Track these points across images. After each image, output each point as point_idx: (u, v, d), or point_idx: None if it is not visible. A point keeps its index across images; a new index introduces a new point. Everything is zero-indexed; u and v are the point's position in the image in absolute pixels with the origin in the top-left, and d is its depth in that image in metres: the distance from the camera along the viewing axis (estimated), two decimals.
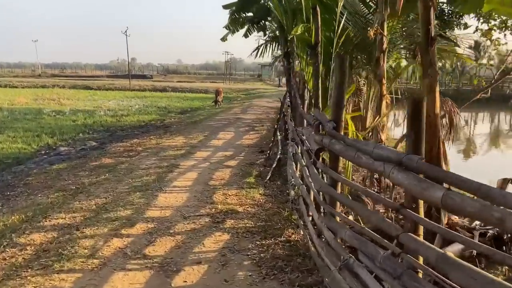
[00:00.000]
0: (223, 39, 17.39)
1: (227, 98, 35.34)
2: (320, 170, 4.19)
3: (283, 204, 6.23)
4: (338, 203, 3.51)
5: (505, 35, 8.10)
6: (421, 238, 2.38)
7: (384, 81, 5.73)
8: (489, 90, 8.41)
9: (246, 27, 17.78)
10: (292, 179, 7.07)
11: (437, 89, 3.78)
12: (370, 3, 6.61)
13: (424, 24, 3.68)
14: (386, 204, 2.80)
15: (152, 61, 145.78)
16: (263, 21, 12.14)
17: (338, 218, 3.42)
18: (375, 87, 5.71)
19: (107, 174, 8.07)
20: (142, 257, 4.39)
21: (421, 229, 2.45)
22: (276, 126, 10.23)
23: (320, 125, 3.62)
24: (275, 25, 14.39)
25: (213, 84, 61.76)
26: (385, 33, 5.73)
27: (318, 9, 3.86)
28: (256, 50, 13.68)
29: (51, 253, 4.49)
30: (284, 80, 72.65)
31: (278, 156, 9.17)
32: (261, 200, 6.46)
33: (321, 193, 3.78)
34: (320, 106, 4.27)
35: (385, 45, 5.73)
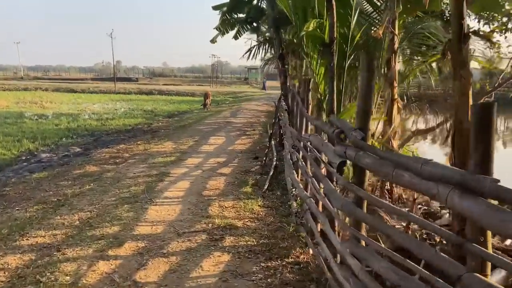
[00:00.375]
0: (213, 41, 16.88)
1: (214, 101, 34.67)
2: (336, 184, 3.70)
3: (285, 217, 5.71)
4: (363, 225, 3.01)
5: (505, 37, 7.77)
6: (491, 280, 1.89)
7: (396, 84, 5.28)
8: (493, 94, 8.03)
9: (236, 28, 17.34)
10: (294, 189, 6.57)
11: (470, 93, 3.33)
12: (376, 1, 6.17)
13: (456, 19, 3.23)
14: (443, 236, 2.31)
15: (137, 64, 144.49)
16: (255, 23, 11.63)
17: (363, 243, 2.92)
18: (385, 90, 5.28)
19: (92, 184, 7.44)
20: (132, 284, 3.82)
21: (489, 268, 1.95)
22: (271, 131, 9.72)
23: (341, 134, 3.12)
24: (266, 27, 13.96)
25: (200, 87, 61.04)
26: (397, 31, 5.28)
27: (333, 2, 3.40)
28: (248, 52, 13.16)
29: (28, 280, 3.89)
30: (269, 83, 71.91)
31: (275, 163, 8.67)
32: (261, 213, 5.94)
33: (340, 212, 3.27)
34: (335, 111, 3.80)
35: (396, 45, 5.28)
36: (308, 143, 5.13)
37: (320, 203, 4.33)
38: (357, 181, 2.94)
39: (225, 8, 13.86)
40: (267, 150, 8.84)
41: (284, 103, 9.76)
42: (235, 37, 17.90)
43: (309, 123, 5.82)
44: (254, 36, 25.49)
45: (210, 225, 5.35)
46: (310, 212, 4.75)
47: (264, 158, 8.63)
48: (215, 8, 15.78)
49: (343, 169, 3.02)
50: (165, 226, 5.32)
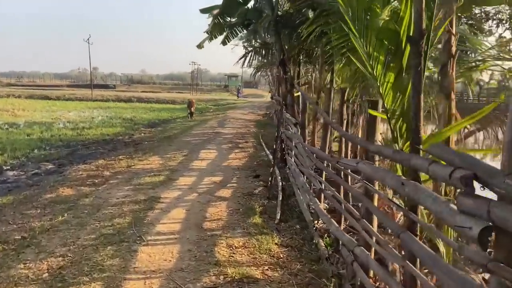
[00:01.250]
0: (200, 46, 15.64)
1: (197, 109, 33.30)
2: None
3: (315, 263, 4.48)
4: None
5: None
6: None
7: (453, 96, 4.17)
8: None
9: (225, 33, 16.10)
10: (318, 223, 5.37)
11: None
12: None
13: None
14: None
15: (115, 70, 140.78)
16: (252, 26, 10.44)
17: None
18: (440, 103, 4.21)
19: (65, 214, 6.04)
20: None
21: None
22: (274, 147, 8.49)
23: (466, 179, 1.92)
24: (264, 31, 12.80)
25: (180, 95, 59.47)
26: (454, 31, 4.18)
27: None
28: (243, 58, 11.95)
29: None
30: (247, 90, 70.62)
31: (281, 184, 7.47)
32: (281, 255, 4.70)
33: None
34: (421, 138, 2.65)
35: (454, 48, 4.18)
36: (348, 171, 3.95)
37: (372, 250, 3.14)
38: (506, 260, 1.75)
39: (216, 11, 12.65)
40: (272, 169, 7.61)
41: (288, 115, 8.58)
42: (224, 42, 16.73)
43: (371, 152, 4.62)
44: (243, 41, 24.44)
45: (221, 277, 4.08)
46: (358, 262, 3.56)
47: (270, 179, 7.39)
48: (203, 11, 14.57)
49: (487, 241, 1.82)
50: (162, 280, 4.02)
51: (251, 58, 11.24)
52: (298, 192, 6.75)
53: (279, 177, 7.91)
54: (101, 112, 31.34)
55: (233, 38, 17.06)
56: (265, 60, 11.59)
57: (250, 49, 23.31)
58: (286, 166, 8.98)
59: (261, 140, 13.54)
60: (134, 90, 70.15)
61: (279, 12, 9.43)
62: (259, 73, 20.85)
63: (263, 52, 10.95)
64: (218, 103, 44.20)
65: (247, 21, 9.65)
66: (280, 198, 6.65)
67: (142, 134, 16.14)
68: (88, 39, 52.31)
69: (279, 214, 5.98)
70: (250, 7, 10.06)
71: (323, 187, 5.01)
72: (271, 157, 10.33)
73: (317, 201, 5.25)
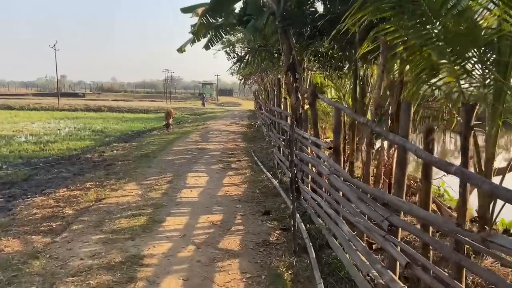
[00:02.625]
0: (181, 49, 13.62)
1: (174, 118, 30.98)
2: None
3: None
4: None
5: None
6: None
7: None
8: None
9: (209, 36, 14.16)
10: None
11: None
12: None
13: None
14: None
15: (84, 78, 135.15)
16: (249, 22, 8.49)
17: None
18: None
19: None
20: None
21: None
22: (290, 176, 6.53)
23: None
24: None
25: (153, 103, 56.77)
26: None
27: None
28: (239, 63, 10.00)
29: None
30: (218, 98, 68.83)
31: (304, 228, 5.57)
32: None
33: None
34: None
35: None
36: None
37: None
38: None
39: (202, 9, 10.71)
40: (291, 208, 5.63)
41: (306, 134, 6.69)
42: (207, 47, 14.75)
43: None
44: (224, 47, 22.46)
45: None
46: None
47: (292, 223, 5.43)
48: (185, 10, 12.61)
49: None
50: None
51: (250, 61, 9.29)
52: (335, 243, 4.86)
53: (295, 215, 5.98)
54: (68, 123, 28.70)
55: (217, 41, 15.17)
56: (263, 65, 9.62)
57: (241, 53, 21.49)
58: (300, 197, 7.09)
59: (256, 158, 11.60)
60: (104, 98, 66.69)
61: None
62: (248, 82, 18.94)
63: (264, 55, 9.04)
64: (195, 112, 41.92)
65: (246, 16, 7.76)
66: (314, 255, 4.73)
67: (115, 151, 13.85)
68: (54, 45, 48.98)
69: (321, 284, 4.06)
70: (248, 1, 8.18)
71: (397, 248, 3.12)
72: (275, 182, 8.45)
73: (393, 276, 3.36)
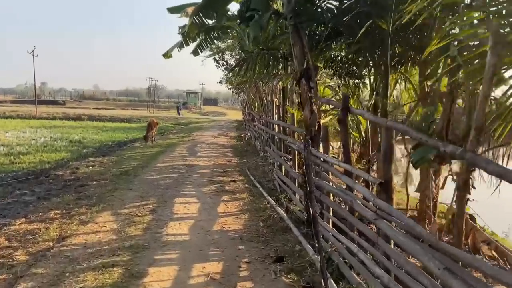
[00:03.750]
0: (167, 55, 12.06)
1: (158, 128, 29.19)
2: None
3: None
4: None
5: None
6: None
7: None
8: None
9: (198, 40, 12.64)
10: None
11: None
12: None
13: None
14: None
15: (65, 86, 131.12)
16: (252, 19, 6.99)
17: None
18: None
19: None
20: None
21: None
22: (311, 212, 5.03)
23: None
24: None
25: (136, 112, 54.69)
26: None
27: None
28: (234, 69, 8.48)
29: None
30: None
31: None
32: None
33: None
34: None
35: None
36: None
37: None
38: None
39: (192, 8, 9.26)
40: (320, 262, 4.09)
41: (327, 156, 5.21)
42: (195, 52, 13.26)
43: None
44: (215, 54, 20.95)
45: None
46: None
47: (323, 285, 3.89)
48: (173, 10, 11.09)
49: None
50: None
51: (249, 67, 7.75)
52: None
53: (322, 260, 4.47)
54: (44, 133, 26.71)
55: (207, 47, 13.67)
56: (265, 71, 8.09)
57: (230, 61, 19.98)
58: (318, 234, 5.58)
59: (252, 178, 10.05)
60: (85, 106, 64.15)
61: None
62: (239, 91, 17.44)
63: (266, 59, 7.53)
64: (179, 121, 40.16)
65: (249, 11, 6.30)
66: None
67: (90, 167, 12.07)
68: (32, 51, 46.59)
69: None
70: None
71: None
72: (281, 212, 6.93)
73: None
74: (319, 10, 6.28)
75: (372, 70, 6.59)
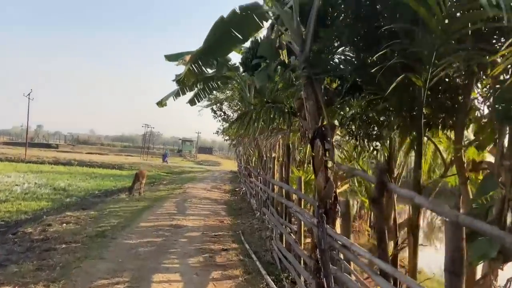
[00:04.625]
0: (161, 103, 11.17)
1: (149, 177, 27.81)
2: None
3: None
4: None
5: None
6: None
7: None
8: None
9: (196, 89, 11.80)
10: None
11: None
12: None
13: None
14: None
15: (61, 129, 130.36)
16: (258, 68, 6.02)
17: None
18: None
19: None
20: None
21: None
22: None
23: None
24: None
25: (129, 159, 53.43)
26: None
27: None
28: (234, 122, 7.42)
29: None
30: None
31: None
32: None
33: None
34: None
35: None
36: None
37: None
38: None
39: (189, 56, 8.41)
40: None
41: (347, 240, 3.96)
42: (192, 102, 12.38)
43: None
44: (213, 104, 20.15)
45: None
46: None
47: None
48: (170, 57, 10.30)
49: None
50: None
51: (249, 121, 6.66)
52: None
53: None
54: (30, 178, 25.35)
55: (205, 96, 12.80)
56: (270, 126, 7.03)
57: (228, 112, 19.10)
58: None
59: (247, 246, 8.67)
60: (78, 151, 62.81)
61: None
62: (235, 143, 16.38)
63: (271, 113, 6.47)
64: (172, 170, 38.81)
65: (256, 59, 5.34)
66: None
67: (64, 224, 10.59)
68: (29, 94, 46.03)
69: None
70: (259, 39, 5.80)
71: None
72: None
73: None
74: (337, 61, 5.31)
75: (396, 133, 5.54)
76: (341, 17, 5.79)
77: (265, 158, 12.14)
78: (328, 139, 5.02)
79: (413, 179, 4.86)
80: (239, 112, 18.39)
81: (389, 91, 4.34)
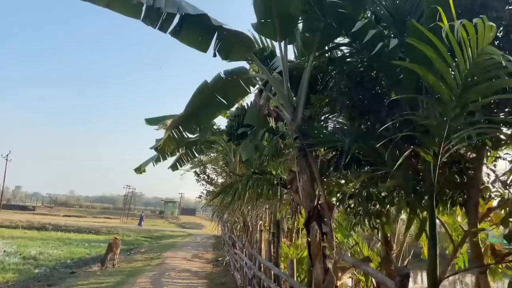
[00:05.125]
0: (140, 170, 10.38)
1: (126, 243, 26.12)
2: None
3: None
4: None
5: None
6: None
7: None
8: None
9: (178, 154, 11.14)
10: None
11: None
12: None
13: None
14: None
15: (40, 190, 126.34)
16: (245, 136, 5.43)
17: None
18: None
19: None
20: None
21: None
22: None
23: None
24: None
25: (107, 221, 51.16)
26: None
27: None
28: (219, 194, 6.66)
29: None
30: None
31: None
32: None
33: None
34: None
35: None
36: None
37: None
38: None
39: (170, 121, 7.88)
40: None
41: None
42: (174, 167, 11.67)
43: None
44: (196, 166, 19.41)
45: None
46: None
47: None
48: (151, 121, 9.77)
49: None
50: None
51: (234, 193, 5.92)
52: None
53: None
54: None
55: (188, 161, 12.13)
56: (258, 201, 6.31)
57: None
58: None
59: None
60: (55, 213, 60.00)
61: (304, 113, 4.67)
62: (221, 214, 15.47)
63: (258, 186, 5.78)
64: (152, 234, 36.92)
65: (243, 127, 4.77)
66: None
67: None
68: (7, 155, 44.64)
69: None
70: (245, 106, 5.27)
71: None
72: None
73: None
74: (331, 129, 4.78)
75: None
76: (332, 83, 5.39)
77: (251, 229, 11.22)
78: (326, 220, 4.31)
79: (428, 273, 4.13)
80: (223, 175, 17.68)
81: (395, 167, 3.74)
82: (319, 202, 4.35)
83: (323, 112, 5.21)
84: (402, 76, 4.12)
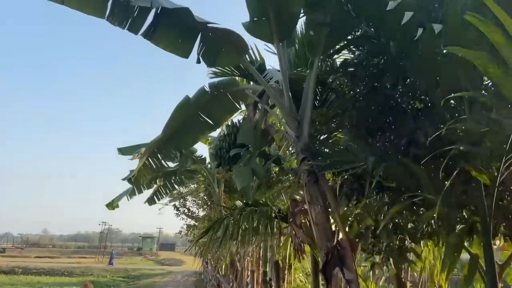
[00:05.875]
0: (112, 205, 9.15)
1: (101, 285, 24.04)
2: None
3: None
4: None
5: None
6: None
7: None
8: None
9: (155, 187, 10.01)
10: None
11: None
12: None
13: None
14: None
15: (11, 230, 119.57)
16: (238, 161, 4.41)
17: None
18: None
19: None
20: None
21: None
22: None
23: None
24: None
25: (82, 261, 48.01)
26: None
27: None
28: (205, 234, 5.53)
29: None
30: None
31: None
32: None
33: None
34: None
35: None
36: None
37: None
38: None
39: (143, 149, 6.79)
40: None
41: None
42: (150, 201, 10.47)
43: None
44: (175, 199, 18.03)
45: None
46: None
47: None
48: (124, 151, 8.63)
49: None
50: None
51: (226, 230, 4.81)
52: None
53: None
54: None
55: (167, 194, 10.93)
56: (251, 239, 5.21)
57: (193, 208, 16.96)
58: None
59: None
60: (27, 255, 56.07)
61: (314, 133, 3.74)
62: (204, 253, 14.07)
63: (258, 218, 4.71)
64: (129, 274, 34.55)
65: (235, 148, 3.77)
66: None
67: None
68: None
69: None
70: (237, 123, 4.27)
71: None
72: None
73: None
74: (346, 148, 3.82)
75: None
76: (334, 96, 4.51)
77: (238, 269, 9.93)
78: (349, 264, 3.29)
79: None
80: (205, 207, 16.38)
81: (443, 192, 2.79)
82: (340, 241, 3.33)
83: (331, 129, 4.29)
84: (438, 78, 3.27)
